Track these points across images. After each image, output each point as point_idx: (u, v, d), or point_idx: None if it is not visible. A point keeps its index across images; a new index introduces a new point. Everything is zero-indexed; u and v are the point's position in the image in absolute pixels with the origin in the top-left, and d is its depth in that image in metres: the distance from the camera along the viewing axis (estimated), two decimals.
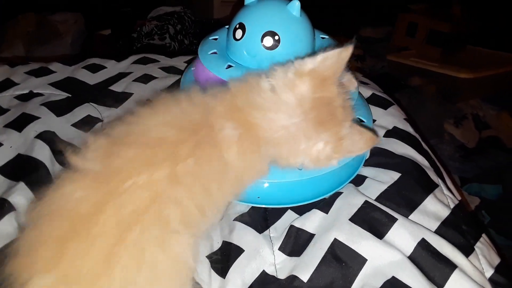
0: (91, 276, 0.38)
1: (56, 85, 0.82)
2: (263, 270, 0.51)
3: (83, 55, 0.94)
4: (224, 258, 0.53)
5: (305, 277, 0.49)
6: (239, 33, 0.58)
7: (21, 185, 0.59)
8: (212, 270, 0.52)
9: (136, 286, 0.39)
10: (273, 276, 0.51)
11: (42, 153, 0.65)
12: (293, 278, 0.50)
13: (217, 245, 0.55)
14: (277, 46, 0.57)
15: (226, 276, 0.51)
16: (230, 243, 0.54)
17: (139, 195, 0.41)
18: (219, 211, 0.52)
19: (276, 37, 0.56)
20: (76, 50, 1.92)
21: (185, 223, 0.43)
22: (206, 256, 0.53)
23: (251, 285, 0.50)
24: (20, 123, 0.71)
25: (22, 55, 1.80)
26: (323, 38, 0.64)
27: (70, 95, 0.80)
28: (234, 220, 0.57)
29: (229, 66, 0.58)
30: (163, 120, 0.47)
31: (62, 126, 0.71)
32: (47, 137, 0.68)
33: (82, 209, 0.40)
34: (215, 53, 0.62)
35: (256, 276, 0.51)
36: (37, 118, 0.72)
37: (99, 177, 0.42)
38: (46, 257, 0.39)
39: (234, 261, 0.52)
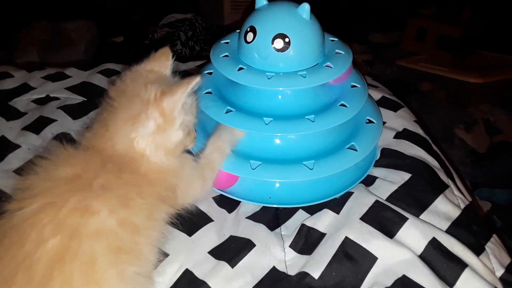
0: None
1: (72, 89, 0.84)
2: (274, 266, 0.52)
3: (96, 62, 0.96)
4: (234, 251, 0.54)
5: (316, 274, 0.50)
6: (250, 36, 0.60)
7: None
8: (216, 262, 0.53)
9: None
10: (284, 273, 0.52)
11: None
12: (304, 275, 0.50)
13: (223, 238, 0.56)
14: (287, 48, 0.58)
15: (235, 269, 0.51)
16: (241, 238, 0.55)
17: (46, 248, 0.39)
18: (153, 219, 0.48)
19: (287, 40, 0.57)
20: (89, 57, 1.95)
21: (115, 251, 0.42)
22: (209, 252, 0.54)
23: (261, 280, 0.51)
24: (37, 125, 0.73)
25: (36, 61, 1.84)
26: (332, 40, 0.65)
27: (85, 99, 0.81)
28: (246, 218, 0.58)
29: (241, 69, 0.60)
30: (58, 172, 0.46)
31: (78, 128, 0.73)
32: (64, 138, 0.69)
33: None
34: (226, 56, 0.63)
35: (266, 272, 0.52)
36: (54, 120, 0.74)
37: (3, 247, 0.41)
38: None
39: (245, 255, 0.53)
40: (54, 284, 0.38)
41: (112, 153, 0.49)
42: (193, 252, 0.53)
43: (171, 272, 0.51)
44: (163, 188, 0.50)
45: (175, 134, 0.51)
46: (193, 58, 1.05)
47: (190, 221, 0.56)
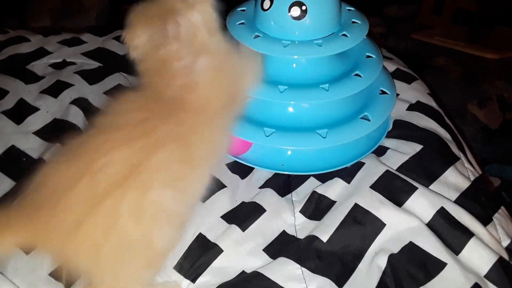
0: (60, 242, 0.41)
1: (88, 54, 0.85)
2: (283, 230, 0.54)
3: (109, 29, 0.96)
4: (245, 215, 0.55)
5: (324, 237, 0.52)
6: (267, 3, 0.59)
7: (58, 146, 0.63)
8: (228, 226, 0.54)
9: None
10: (293, 236, 0.54)
11: (77, 118, 0.69)
12: (312, 238, 0.52)
13: (235, 203, 0.57)
14: (304, 16, 0.58)
15: (246, 232, 0.53)
16: (253, 203, 0.57)
17: (115, 169, 0.43)
18: (204, 161, 0.51)
19: (303, 7, 0.57)
20: (100, 24, 1.95)
21: (171, 179, 0.45)
22: (221, 216, 0.56)
23: (271, 242, 0.53)
24: (55, 89, 0.75)
25: (49, 27, 1.84)
26: (349, 10, 0.65)
27: (101, 65, 0.82)
28: (258, 184, 0.60)
29: (257, 36, 0.60)
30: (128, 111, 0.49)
31: (95, 93, 0.74)
32: (81, 103, 0.71)
33: (57, 183, 0.42)
34: (243, 23, 0.63)
35: (277, 235, 0.54)
36: (71, 85, 0.75)
37: (76, 156, 0.44)
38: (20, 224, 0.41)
39: (256, 220, 0.55)
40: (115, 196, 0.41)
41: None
42: (206, 216, 0.55)
43: (186, 235, 0.53)
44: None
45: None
46: None
47: None
